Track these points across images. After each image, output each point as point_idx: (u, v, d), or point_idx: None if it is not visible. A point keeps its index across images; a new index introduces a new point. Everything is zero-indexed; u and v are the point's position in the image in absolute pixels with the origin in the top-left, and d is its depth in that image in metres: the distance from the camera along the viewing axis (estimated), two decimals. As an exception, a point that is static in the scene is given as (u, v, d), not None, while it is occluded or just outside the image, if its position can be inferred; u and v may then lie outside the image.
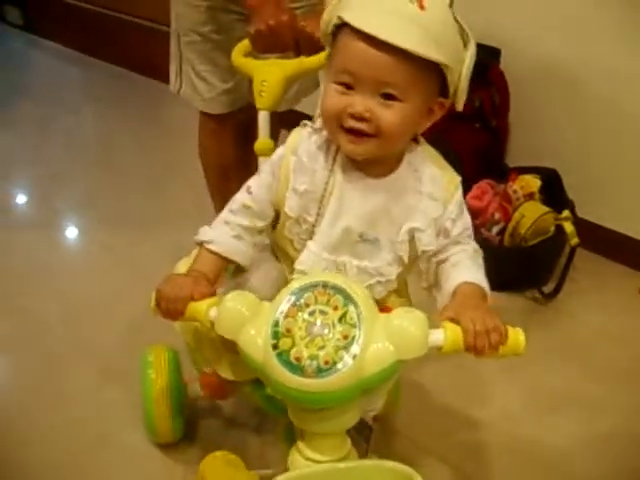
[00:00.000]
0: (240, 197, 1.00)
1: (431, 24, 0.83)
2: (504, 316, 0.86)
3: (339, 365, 0.78)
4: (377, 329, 0.81)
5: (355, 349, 0.79)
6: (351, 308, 0.81)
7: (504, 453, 1.41)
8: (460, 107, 0.91)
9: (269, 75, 1.21)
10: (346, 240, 0.95)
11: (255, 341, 0.82)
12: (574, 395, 1.58)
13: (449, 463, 1.38)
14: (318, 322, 0.81)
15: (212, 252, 0.98)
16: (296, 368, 0.79)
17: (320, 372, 0.78)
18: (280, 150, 0.99)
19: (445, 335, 0.82)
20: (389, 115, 0.86)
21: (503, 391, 1.58)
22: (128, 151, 2.63)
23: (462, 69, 0.88)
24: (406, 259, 0.97)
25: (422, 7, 0.82)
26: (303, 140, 0.97)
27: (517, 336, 0.84)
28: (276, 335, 0.81)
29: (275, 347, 0.80)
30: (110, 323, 1.69)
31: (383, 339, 0.80)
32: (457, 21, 0.88)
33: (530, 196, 1.90)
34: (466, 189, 1.02)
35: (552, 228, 1.86)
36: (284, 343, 0.80)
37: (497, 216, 1.88)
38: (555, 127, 2.09)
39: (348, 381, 0.79)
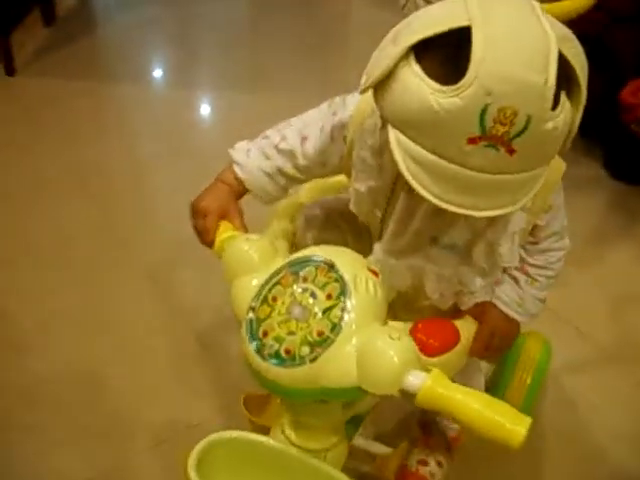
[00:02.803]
0: (292, 140, 0.87)
1: (523, 171, 0.63)
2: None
3: (296, 361, 0.66)
4: (358, 341, 0.66)
5: (318, 353, 0.65)
6: (341, 304, 0.67)
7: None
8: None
9: None
10: (417, 243, 0.81)
11: (244, 292, 0.73)
12: None
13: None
14: (303, 304, 0.68)
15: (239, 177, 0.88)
16: (257, 342, 0.68)
17: (275, 358, 0.67)
18: (342, 115, 0.84)
19: (424, 383, 0.63)
20: None
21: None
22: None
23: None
24: (489, 271, 0.82)
25: (511, 151, 0.60)
26: (367, 133, 0.80)
27: (520, 427, 0.60)
28: (259, 298, 0.71)
29: (252, 310, 0.70)
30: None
31: (353, 357, 0.65)
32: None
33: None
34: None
35: None
36: (262, 310, 0.70)
37: (650, 112, 1.78)
38: None
39: (296, 381, 0.67)
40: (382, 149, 0.79)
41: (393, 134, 0.64)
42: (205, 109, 2.29)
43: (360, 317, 0.66)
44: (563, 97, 0.62)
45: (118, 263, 1.52)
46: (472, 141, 0.60)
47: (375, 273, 0.71)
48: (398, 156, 0.64)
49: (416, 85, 0.61)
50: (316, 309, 0.67)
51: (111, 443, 1.17)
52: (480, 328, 0.83)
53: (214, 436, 0.75)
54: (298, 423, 0.76)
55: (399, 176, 0.76)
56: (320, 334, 0.65)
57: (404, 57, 0.62)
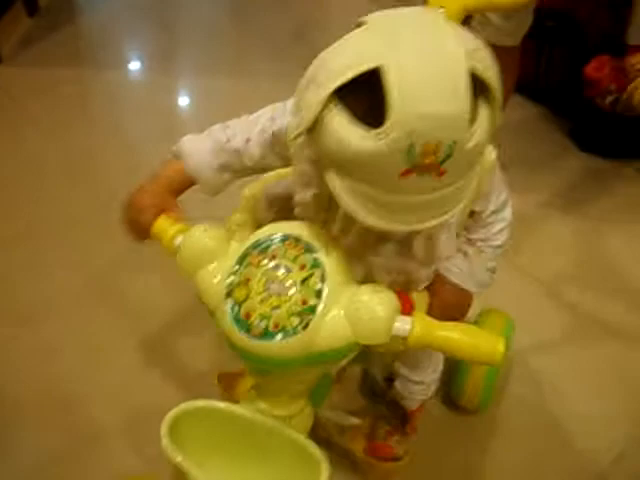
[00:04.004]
0: (239, 139, 0.87)
1: (455, 183, 0.67)
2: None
3: (288, 332, 0.70)
4: (341, 302, 0.71)
5: (309, 319, 0.70)
6: (318, 272, 0.71)
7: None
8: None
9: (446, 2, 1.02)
10: (364, 239, 0.84)
11: (211, 281, 0.75)
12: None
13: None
14: (279, 279, 0.71)
15: (185, 171, 0.88)
16: (243, 325, 0.71)
17: (266, 335, 0.70)
18: (282, 122, 0.84)
19: (412, 326, 0.70)
20: None
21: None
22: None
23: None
24: (429, 261, 0.87)
25: (441, 173, 0.64)
26: (303, 145, 0.80)
27: (495, 344, 0.70)
28: (232, 283, 0.73)
29: (229, 295, 0.73)
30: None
31: (343, 316, 0.70)
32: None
33: (646, 71, 1.90)
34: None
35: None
36: (239, 293, 0.72)
37: (612, 87, 1.91)
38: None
39: (293, 351, 0.71)
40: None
41: (329, 169, 0.67)
42: (188, 93, 2.33)
43: (338, 279, 0.72)
44: (480, 107, 0.64)
45: (112, 243, 1.58)
46: (404, 174, 0.62)
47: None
48: (335, 190, 0.67)
49: (343, 131, 0.63)
50: (293, 281, 0.71)
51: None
52: (433, 300, 0.89)
53: (184, 405, 0.77)
54: (264, 391, 0.79)
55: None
56: (305, 302, 0.70)
57: (328, 101, 0.63)
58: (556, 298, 1.56)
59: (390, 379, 1.19)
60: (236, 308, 0.71)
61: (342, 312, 0.70)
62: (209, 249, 0.77)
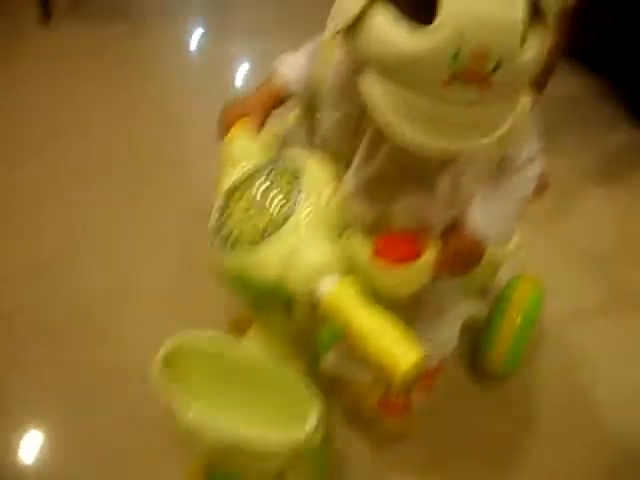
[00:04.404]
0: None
1: (498, 103, 0.65)
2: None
3: (242, 245, 0.71)
4: (297, 236, 0.70)
5: (263, 237, 0.71)
6: (294, 201, 0.72)
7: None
8: None
9: None
10: (384, 174, 0.80)
11: (226, 180, 0.79)
12: None
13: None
14: (265, 196, 0.73)
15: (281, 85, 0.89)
16: (218, 223, 0.75)
17: (227, 241, 0.73)
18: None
19: (329, 288, 0.65)
20: None
21: None
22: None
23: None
24: (451, 203, 0.82)
25: (486, 87, 0.61)
26: (337, 60, 0.79)
27: (403, 357, 0.58)
28: (232, 187, 0.76)
29: (224, 196, 0.76)
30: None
31: (286, 251, 0.69)
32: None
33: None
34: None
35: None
36: (231, 198, 0.76)
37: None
38: None
39: (238, 267, 0.72)
40: (354, 81, 0.78)
41: (368, 73, 0.64)
42: (242, 54, 2.32)
43: (308, 217, 0.71)
44: (532, 29, 0.62)
45: (149, 197, 1.60)
46: (448, 81, 0.60)
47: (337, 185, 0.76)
48: (372, 98, 0.64)
49: (388, 28, 0.60)
50: (275, 202, 0.72)
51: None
52: (445, 245, 0.82)
53: (179, 337, 0.75)
54: (264, 330, 0.79)
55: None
56: (271, 222, 0.71)
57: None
58: (592, 269, 1.52)
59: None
60: (223, 209, 0.75)
61: (289, 246, 0.69)
62: (239, 154, 0.80)
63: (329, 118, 0.82)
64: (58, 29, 2.19)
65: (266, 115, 0.88)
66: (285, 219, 0.70)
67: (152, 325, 1.27)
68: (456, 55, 0.59)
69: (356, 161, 0.80)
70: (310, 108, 0.89)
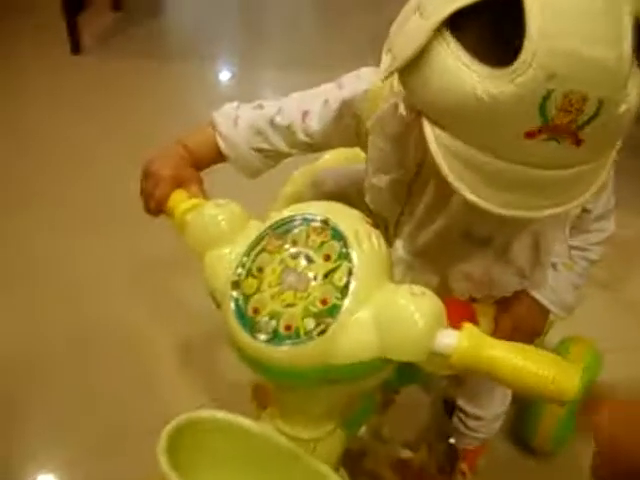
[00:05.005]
0: (291, 113, 0.76)
1: (590, 161, 0.53)
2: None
3: (300, 337, 0.55)
4: (371, 305, 0.55)
5: (328, 323, 0.55)
6: (345, 265, 0.56)
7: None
8: None
9: None
10: (444, 238, 0.70)
11: (220, 266, 0.62)
12: None
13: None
14: (298, 270, 0.57)
15: (217, 145, 0.76)
16: (248, 322, 0.57)
17: (274, 338, 0.56)
18: (356, 88, 0.72)
19: (458, 342, 0.54)
20: None
21: None
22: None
23: None
24: (528, 270, 0.71)
25: (578, 142, 0.50)
26: (385, 118, 0.68)
27: (571, 376, 0.53)
28: (241, 271, 0.60)
29: (235, 285, 0.59)
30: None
31: (370, 323, 0.55)
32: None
33: None
34: None
35: None
36: (248, 284, 0.59)
37: None
38: None
39: (305, 361, 0.56)
40: (405, 136, 0.67)
41: (430, 129, 0.53)
42: (268, 88, 2.25)
43: (369, 276, 0.56)
44: (634, 67, 0.50)
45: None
46: (531, 135, 0.49)
47: (374, 225, 0.61)
48: (438, 156, 0.53)
49: (456, 69, 0.49)
50: (314, 274, 0.56)
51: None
52: (503, 315, 0.73)
53: (187, 415, 0.64)
54: (284, 407, 0.66)
55: (422, 167, 0.67)
56: (324, 302, 0.55)
57: (437, 33, 0.50)
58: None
59: (451, 405, 1.02)
60: (242, 302, 0.58)
61: (370, 318, 0.55)
62: (221, 229, 0.64)
63: (379, 182, 0.71)
64: (87, 63, 2.15)
65: (201, 181, 0.74)
66: (345, 283, 0.56)
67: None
68: (544, 101, 0.47)
69: (411, 225, 0.71)
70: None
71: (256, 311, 0.57)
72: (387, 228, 0.75)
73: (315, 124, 0.74)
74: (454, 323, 0.60)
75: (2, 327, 1.29)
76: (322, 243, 0.58)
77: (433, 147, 0.53)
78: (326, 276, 0.56)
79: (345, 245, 0.57)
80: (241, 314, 0.58)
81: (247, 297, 0.58)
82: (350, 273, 0.56)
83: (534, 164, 0.51)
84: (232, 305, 0.59)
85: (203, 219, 0.65)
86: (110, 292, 1.38)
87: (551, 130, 0.48)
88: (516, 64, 0.47)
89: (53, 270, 1.42)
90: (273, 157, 0.78)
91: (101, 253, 1.46)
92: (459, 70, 0.49)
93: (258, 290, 0.58)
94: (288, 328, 0.56)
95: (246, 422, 0.65)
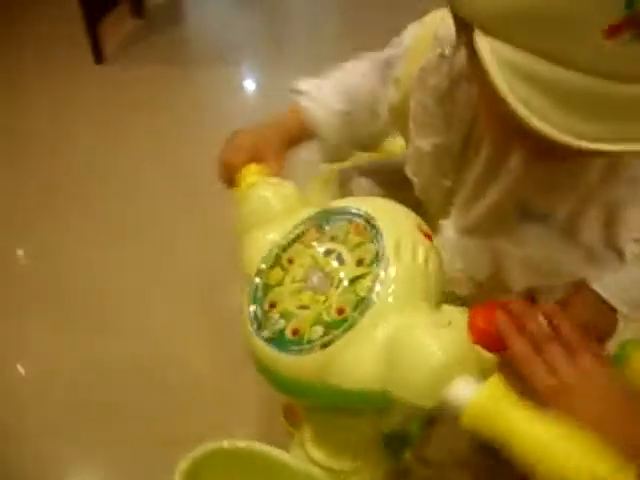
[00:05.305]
0: (353, 75, 0.72)
1: None
2: None
3: (302, 345, 0.48)
4: (389, 327, 0.46)
5: (335, 337, 0.47)
6: (374, 275, 0.48)
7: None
8: None
9: None
10: (499, 215, 0.60)
11: (257, 248, 0.56)
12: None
13: None
14: (326, 270, 0.50)
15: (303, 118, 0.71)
16: (258, 319, 0.51)
17: (277, 340, 0.50)
18: (396, 49, 0.66)
19: (475, 396, 0.42)
20: None
21: None
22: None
23: None
24: (599, 253, 0.60)
25: None
26: (428, 71, 0.61)
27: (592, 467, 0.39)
28: (271, 256, 0.54)
29: (259, 274, 0.53)
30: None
31: (380, 349, 0.46)
32: None
33: None
34: None
35: None
36: (273, 275, 0.53)
37: None
38: None
39: (301, 373, 0.49)
40: (452, 92, 0.59)
41: (484, 40, 0.42)
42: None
43: (399, 294, 0.47)
44: None
45: (202, 234, 1.44)
46: (613, 31, 0.38)
47: (429, 237, 0.52)
48: (495, 71, 0.41)
49: None
50: (340, 278, 0.49)
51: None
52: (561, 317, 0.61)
53: (208, 446, 0.57)
54: (319, 435, 0.58)
55: (473, 128, 0.58)
56: (340, 312, 0.48)
57: None
58: None
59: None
60: (261, 291, 0.52)
61: (382, 342, 0.46)
62: (268, 209, 0.59)
63: (423, 146, 0.63)
64: (110, 72, 2.11)
65: (282, 160, 0.69)
66: (368, 296, 0.48)
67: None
68: None
69: (461, 199, 0.62)
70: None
71: (272, 305, 0.51)
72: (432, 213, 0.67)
73: (363, 88, 0.70)
74: (486, 340, 0.50)
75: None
76: (359, 244, 0.50)
77: (487, 57, 0.42)
78: (352, 282, 0.49)
79: (381, 251, 0.49)
80: (255, 309, 0.52)
81: (268, 287, 0.52)
82: (376, 283, 0.47)
83: (620, 76, 0.39)
84: (250, 296, 0.53)
85: (254, 197, 0.60)
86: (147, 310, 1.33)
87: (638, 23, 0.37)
88: None
89: (80, 285, 1.39)
90: (349, 129, 0.72)
91: (126, 264, 1.42)
92: None
93: (281, 283, 0.52)
94: (295, 332, 0.49)
95: (269, 450, 0.58)
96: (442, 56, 0.59)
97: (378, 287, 0.47)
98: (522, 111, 0.41)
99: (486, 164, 0.60)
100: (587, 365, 0.47)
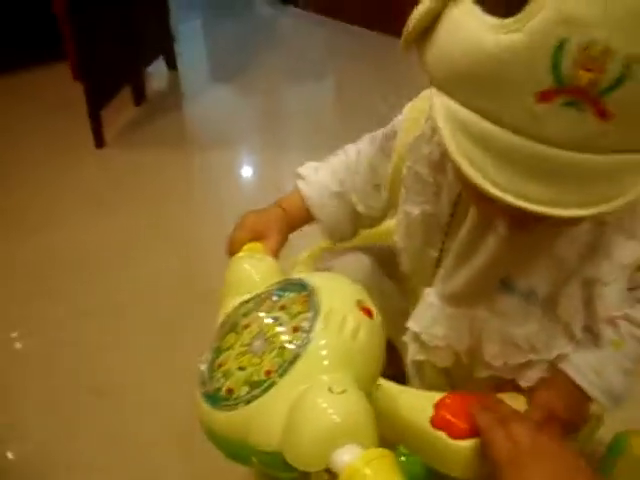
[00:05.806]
0: (351, 153, 0.77)
1: (626, 148, 0.43)
2: None
3: (229, 401, 0.51)
4: (300, 392, 0.48)
5: (255, 395, 0.49)
6: (302, 339, 0.51)
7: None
8: None
9: None
10: (481, 287, 0.61)
11: (224, 313, 0.61)
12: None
13: None
14: (267, 335, 0.53)
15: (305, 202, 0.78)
16: (204, 377, 0.55)
17: (212, 396, 0.52)
18: (395, 122, 0.71)
19: (349, 463, 0.43)
20: None
21: None
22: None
23: None
24: (577, 330, 0.59)
25: (603, 113, 0.41)
26: (421, 140, 0.64)
27: None
28: (229, 324, 0.58)
29: (218, 337, 0.57)
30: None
31: (285, 412, 0.47)
32: None
33: None
34: None
35: None
36: (228, 339, 0.56)
37: None
38: None
39: (227, 429, 0.51)
40: (442, 161, 0.61)
41: (439, 99, 0.47)
42: (291, 174, 2.24)
43: (316, 361, 0.49)
44: None
45: (199, 316, 1.41)
46: (544, 97, 0.40)
47: (369, 313, 0.53)
48: (445, 128, 0.45)
49: (466, 23, 0.44)
50: (275, 342, 0.52)
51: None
52: (532, 406, 0.58)
53: None
54: None
55: (461, 198, 0.60)
56: (268, 373, 0.50)
57: None
58: None
59: None
60: (214, 355, 0.56)
61: (290, 405, 0.47)
62: (250, 278, 0.64)
63: (412, 211, 0.66)
64: (110, 156, 2.16)
65: (282, 239, 0.74)
66: (290, 360, 0.50)
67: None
68: (557, 52, 0.39)
69: (445, 267, 0.63)
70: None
71: (219, 365, 0.54)
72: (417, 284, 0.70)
73: (364, 161, 0.74)
74: (467, 421, 0.54)
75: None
76: (298, 313, 0.53)
77: (440, 119, 0.46)
78: (282, 347, 0.51)
79: (313, 321, 0.51)
80: (208, 364, 0.55)
81: (220, 351, 0.55)
82: (300, 352, 0.50)
83: (549, 139, 0.41)
84: (207, 355, 0.56)
85: (236, 268, 0.66)
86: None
87: (568, 92, 0.40)
88: (528, 7, 0.40)
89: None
90: (350, 208, 0.77)
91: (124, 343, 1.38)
92: (469, 24, 0.43)
93: (231, 347, 0.55)
94: (229, 391, 0.51)
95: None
96: (434, 130, 0.61)
97: (301, 353, 0.50)
98: (464, 166, 0.45)
99: (471, 233, 0.61)
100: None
